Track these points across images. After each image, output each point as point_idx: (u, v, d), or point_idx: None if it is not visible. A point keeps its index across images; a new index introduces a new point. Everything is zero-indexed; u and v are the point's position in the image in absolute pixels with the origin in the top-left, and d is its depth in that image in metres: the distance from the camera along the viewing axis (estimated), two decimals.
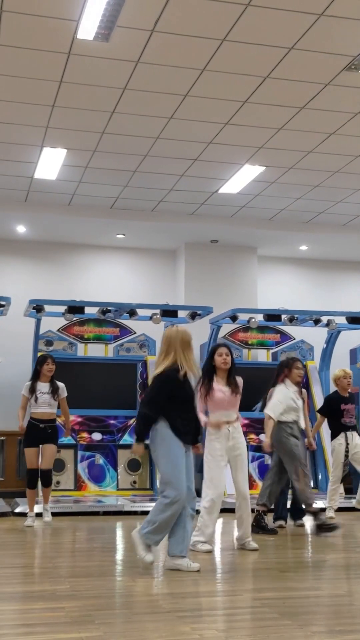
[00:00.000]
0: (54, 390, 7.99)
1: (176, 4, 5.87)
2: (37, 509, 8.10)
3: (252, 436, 10.67)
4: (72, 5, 5.92)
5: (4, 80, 7.11)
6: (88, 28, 6.21)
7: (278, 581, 5.13)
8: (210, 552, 6.15)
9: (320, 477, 10.58)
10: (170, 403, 5.39)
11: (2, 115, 7.83)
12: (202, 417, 6.20)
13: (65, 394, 8.12)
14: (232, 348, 11.23)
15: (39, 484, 8.01)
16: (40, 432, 7.89)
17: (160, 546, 5.59)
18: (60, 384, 8.10)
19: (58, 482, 9.80)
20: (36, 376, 8.07)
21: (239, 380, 6.53)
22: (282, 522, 7.83)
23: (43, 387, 7.99)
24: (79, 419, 10.26)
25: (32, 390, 7.98)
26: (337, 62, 6.76)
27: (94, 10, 5.94)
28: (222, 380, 6.44)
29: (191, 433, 5.55)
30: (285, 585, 5.00)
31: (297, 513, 7.91)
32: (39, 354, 10.30)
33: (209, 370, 6.48)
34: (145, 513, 6.21)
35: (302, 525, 7.79)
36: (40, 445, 7.92)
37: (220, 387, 6.41)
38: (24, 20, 6.14)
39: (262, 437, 10.56)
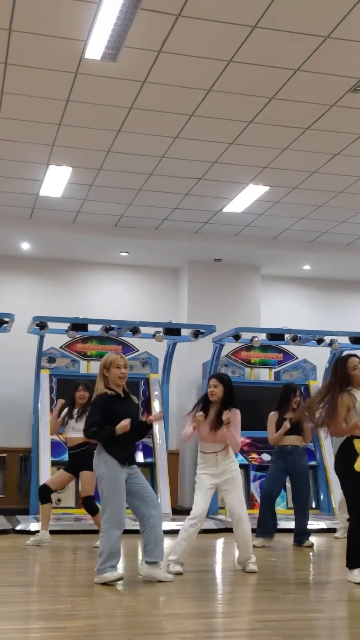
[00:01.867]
0: (82, 415, 7.65)
1: (184, 25, 5.92)
2: (36, 526, 8.08)
3: (254, 455, 10.65)
4: (81, 26, 5.97)
5: (12, 99, 7.15)
6: (96, 48, 6.26)
7: (281, 603, 5.09)
8: (181, 574, 5.93)
9: (322, 497, 10.52)
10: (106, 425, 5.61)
11: (9, 133, 7.87)
12: (187, 430, 6.24)
13: None
14: (235, 367, 11.32)
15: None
16: (71, 458, 7.78)
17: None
18: None
19: (59, 500, 9.76)
20: (72, 403, 7.89)
21: (235, 412, 6.25)
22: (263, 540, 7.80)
23: (76, 412, 7.83)
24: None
25: (70, 415, 7.82)
26: (342, 84, 6.81)
27: (102, 30, 5.98)
28: (214, 411, 6.20)
29: (129, 452, 5.72)
30: (288, 607, 4.97)
31: (301, 535, 7.87)
32: (43, 371, 10.35)
33: (204, 400, 6.33)
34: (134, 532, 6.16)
35: (310, 546, 7.74)
36: (80, 472, 7.66)
37: (207, 421, 6.19)
38: (32, 40, 6.19)
39: (264, 456, 10.56)
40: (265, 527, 7.88)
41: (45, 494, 7.77)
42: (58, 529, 8.41)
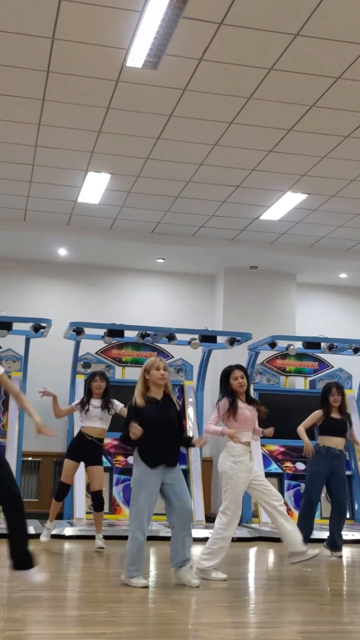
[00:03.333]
0: (106, 405, 7.73)
1: (225, 33, 5.93)
2: (71, 531, 8.11)
3: (289, 464, 10.59)
4: (123, 34, 6.01)
5: (53, 106, 7.22)
6: (137, 56, 6.30)
7: (318, 614, 5.05)
8: (224, 580, 6.04)
9: (357, 507, 10.43)
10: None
11: (49, 140, 7.94)
12: (213, 428, 6.35)
13: (121, 406, 7.72)
14: (270, 375, 11.29)
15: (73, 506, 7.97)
16: (86, 447, 7.66)
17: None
18: (116, 402, 7.83)
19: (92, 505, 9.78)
20: (89, 393, 7.85)
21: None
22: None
23: (95, 402, 7.77)
24: (115, 442, 10.24)
25: (83, 403, 7.78)
26: None
27: (144, 38, 6.02)
28: (243, 402, 6.45)
29: (163, 455, 5.74)
30: (326, 618, 4.92)
31: (335, 544, 7.78)
32: (78, 377, 10.40)
33: (229, 393, 6.45)
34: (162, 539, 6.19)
35: (340, 557, 7.67)
36: (87, 467, 7.77)
37: (245, 405, 6.42)
38: (74, 48, 6.24)
39: (298, 465, 10.50)
40: (305, 532, 7.75)
41: (65, 492, 7.85)
42: (92, 534, 8.41)
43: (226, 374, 6.56)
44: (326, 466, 7.64)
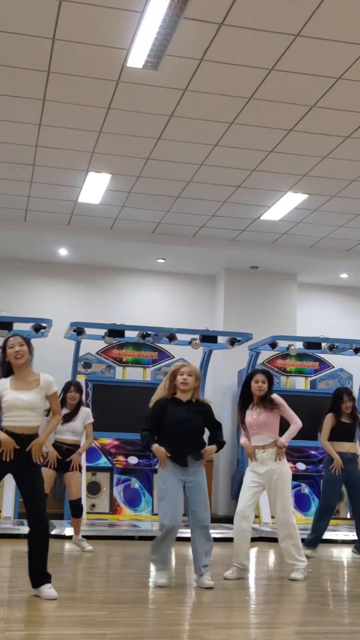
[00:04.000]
0: (78, 418, 7.61)
1: (226, 33, 5.93)
2: (71, 531, 8.09)
3: (289, 464, 10.54)
4: (123, 35, 6.01)
5: (54, 106, 7.22)
6: (138, 56, 6.30)
7: (320, 615, 5.05)
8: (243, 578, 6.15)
9: None
10: (160, 430, 5.86)
11: (50, 140, 7.94)
12: (242, 439, 6.56)
13: (91, 420, 7.74)
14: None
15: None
16: (62, 455, 7.47)
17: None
18: (85, 410, 7.76)
19: (93, 505, 9.79)
20: (62, 403, 7.52)
21: (278, 399, 6.56)
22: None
23: (68, 415, 7.60)
24: (116, 442, 10.26)
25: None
26: None
27: (144, 39, 6.02)
28: (258, 406, 6.47)
29: (184, 454, 5.77)
30: (328, 619, 4.92)
31: None
32: (79, 377, 10.40)
33: (245, 397, 6.55)
34: (180, 540, 6.19)
35: None
36: (65, 474, 7.58)
37: (251, 412, 6.47)
38: (75, 49, 6.24)
39: (298, 465, 10.49)
40: (316, 538, 7.76)
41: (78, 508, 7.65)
42: (92, 535, 8.42)
43: (249, 377, 6.61)
44: (340, 471, 7.69)
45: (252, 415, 6.46)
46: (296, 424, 6.56)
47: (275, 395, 6.55)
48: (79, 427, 7.65)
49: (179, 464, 5.80)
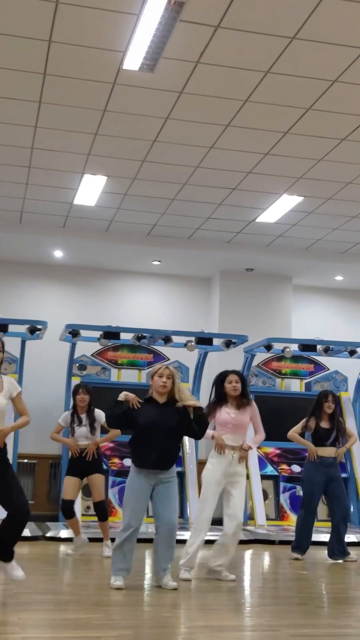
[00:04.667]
0: (91, 422, 7.57)
1: (222, 36, 5.93)
2: (66, 534, 8.06)
3: (284, 466, 10.59)
4: (120, 37, 6.01)
5: (50, 109, 7.22)
6: (134, 59, 6.29)
7: (314, 617, 5.06)
8: (189, 580, 6.11)
9: (352, 510, 10.43)
10: (132, 432, 5.89)
11: (46, 142, 7.94)
12: (211, 432, 6.47)
13: (104, 420, 7.57)
14: (265, 377, 11.29)
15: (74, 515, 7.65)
16: (81, 460, 7.47)
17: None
18: (99, 413, 7.65)
19: (88, 507, 9.77)
20: (75, 407, 7.65)
21: (253, 404, 6.63)
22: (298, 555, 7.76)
23: (81, 418, 7.59)
24: (111, 444, 10.24)
25: (71, 421, 7.62)
26: None
27: (140, 41, 6.02)
28: (232, 404, 6.53)
29: (153, 458, 5.78)
30: (323, 621, 4.93)
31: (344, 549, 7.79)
32: (74, 379, 10.39)
33: (219, 396, 6.58)
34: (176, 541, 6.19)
35: (354, 561, 7.67)
36: (86, 477, 7.54)
37: (226, 410, 6.50)
38: (71, 51, 6.24)
39: (293, 467, 10.51)
40: (305, 541, 7.80)
41: (69, 508, 7.49)
42: (87, 537, 8.39)
43: (221, 379, 6.63)
44: (321, 475, 7.80)
45: (230, 413, 6.48)
46: (261, 434, 6.66)
47: (252, 401, 6.66)
48: (91, 434, 7.57)
49: (155, 467, 5.81)
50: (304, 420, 7.94)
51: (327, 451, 7.83)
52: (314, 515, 8.00)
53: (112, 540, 7.44)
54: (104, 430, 7.59)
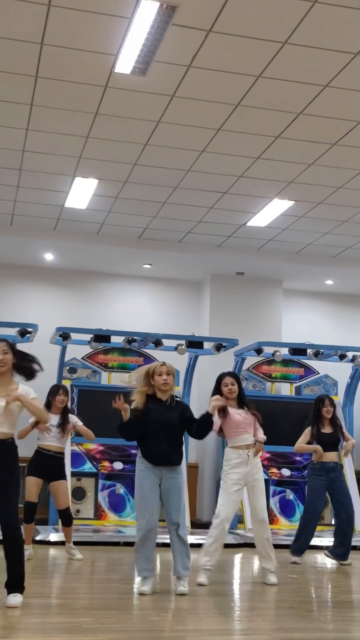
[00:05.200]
0: (63, 424, 7.39)
1: (214, 40, 5.95)
2: (56, 537, 8.04)
3: (274, 470, 10.60)
4: (112, 40, 6.01)
5: (41, 111, 7.21)
6: (126, 62, 6.30)
7: (304, 621, 5.06)
8: (205, 585, 6.13)
9: None
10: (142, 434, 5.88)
11: (37, 145, 7.93)
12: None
13: (81, 424, 7.62)
14: (256, 381, 11.30)
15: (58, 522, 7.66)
16: (47, 462, 7.29)
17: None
18: (73, 417, 7.59)
19: (78, 511, 9.76)
20: (47, 407, 7.33)
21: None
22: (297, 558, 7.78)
23: (53, 419, 7.33)
24: (101, 448, 10.23)
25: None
26: None
27: (132, 45, 6.02)
28: (235, 406, 6.57)
29: (164, 455, 5.81)
30: (313, 625, 4.93)
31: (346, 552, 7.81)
32: (64, 382, 10.37)
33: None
34: (166, 545, 6.18)
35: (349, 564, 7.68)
36: (50, 483, 7.38)
37: (235, 411, 6.52)
38: (63, 54, 6.24)
39: (283, 471, 10.52)
40: (304, 544, 7.81)
41: (33, 512, 7.34)
42: (77, 540, 8.37)
43: (218, 381, 6.64)
44: (324, 480, 7.77)
45: (240, 413, 6.50)
46: (263, 438, 6.64)
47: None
48: (62, 436, 7.43)
49: (165, 464, 5.84)
50: (308, 429, 7.88)
51: (329, 456, 7.80)
52: (316, 522, 7.98)
53: (75, 543, 7.59)
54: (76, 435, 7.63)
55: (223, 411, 6.47)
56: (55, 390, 7.56)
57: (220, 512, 6.32)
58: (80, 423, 7.66)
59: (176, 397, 6.05)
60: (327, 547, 7.99)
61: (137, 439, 5.95)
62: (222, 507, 6.33)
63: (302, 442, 7.90)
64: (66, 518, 7.46)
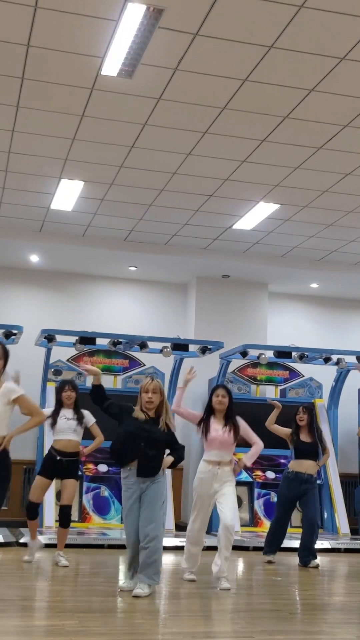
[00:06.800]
0: (79, 417, 7.39)
1: (200, 44, 5.96)
2: (41, 540, 8.02)
3: (259, 473, 10.62)
4: (98, 43, 6.01)
5: (27, 113, 7.20)
6: (112, 65, 6.30)
7: (288, 624, 5.07)
8: (194, 581, 6.31)
9: (326, 516, 10.49)
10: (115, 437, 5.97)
11: (23, 146, 7.91)
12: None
13: (93, 420, 7.56)
14: (241, 384, 11.33)
15: (38, 520, 7.63)
16: (58, 464, 7.29)
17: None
18: (87, 413, 7.53)
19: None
20: (59, 404, 7.47)
21: (240, 422, 6.64)
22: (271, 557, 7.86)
23: (67, 413, 7.40)
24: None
25: (53, 416, 7.37)
26: (356, 104, 6.84)
27: (119, 47, 6.03)
28: (220, 420, 6.57)
29: (145, 467, 5.83)
30: (296, 628, 4.95)
31: (308, 556, 7.82)
32: (49, 384, 10.34)
33: (207, 410, 6.65)
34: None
35: (316, 567, 7.70)
36: (59, 480, 7.44)
37: (215, 427, 6.53)
38: (50, 56, 6.23)
39: (268, 474, 10.54)
40: (274, 544, 7.89)
41: (34, 510, 7.37)
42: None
43: (211, 392, 6.72)
44: (295, 491, 7.88)
45: (218, 431, 6.50)
46: (257, 444, 6.67)
47: (239, 419, 6.65)
48: (79, 429, 7.41)
49: (143, 475, 5.85)
50: (291, 430, 8.07)
51: (304, 466, 7.88)
52: (285, 525, 8.11)
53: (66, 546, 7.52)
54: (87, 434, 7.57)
55: (206, 422, 6.54)
56: (61, 387, 7.60)
57: (189, 530, 6.51)
58: (93, 421, 7.59)
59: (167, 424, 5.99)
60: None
61: (103, 406, 5.95)
62: (191, 525, 6.49)
63: (278, 428, 8.04)
64: (64, 516, 7.30)
